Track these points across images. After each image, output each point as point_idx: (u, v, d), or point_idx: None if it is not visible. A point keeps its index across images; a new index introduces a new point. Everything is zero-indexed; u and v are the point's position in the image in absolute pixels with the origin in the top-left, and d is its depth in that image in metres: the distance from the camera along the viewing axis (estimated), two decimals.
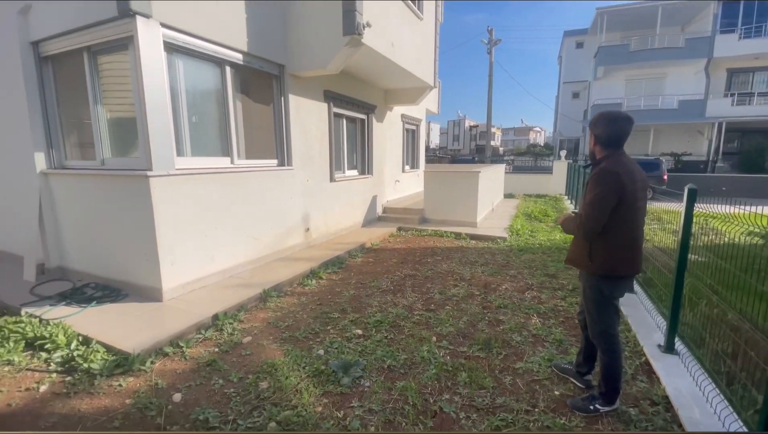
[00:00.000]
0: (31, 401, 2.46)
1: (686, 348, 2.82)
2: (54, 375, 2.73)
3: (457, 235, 7.33)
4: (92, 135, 4.11)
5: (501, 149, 67.95)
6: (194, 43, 4.06)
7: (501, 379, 2.71)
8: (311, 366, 2.80)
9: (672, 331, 2.89)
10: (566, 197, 13.71)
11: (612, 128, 2.18)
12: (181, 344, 3.09)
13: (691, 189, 2.69)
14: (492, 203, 10.43)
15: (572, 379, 2.67)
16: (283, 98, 5.37)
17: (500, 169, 13.23)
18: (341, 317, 3.71)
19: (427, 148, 57.71)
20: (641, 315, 3.61)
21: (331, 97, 6.38)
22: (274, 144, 5.43)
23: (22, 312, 3.53)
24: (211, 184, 4.28)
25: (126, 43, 3.61)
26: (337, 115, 6.81)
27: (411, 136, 11.20)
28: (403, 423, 2.26)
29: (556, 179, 15.20)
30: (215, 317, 3.53)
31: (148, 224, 3.68)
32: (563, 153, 16.38)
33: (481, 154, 39.02)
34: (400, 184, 10.17)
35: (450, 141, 71.84)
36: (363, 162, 7.89)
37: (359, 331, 3.41)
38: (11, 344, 3.05)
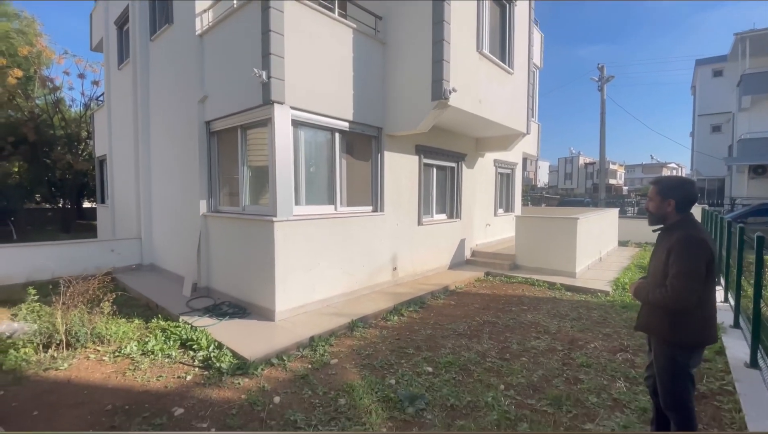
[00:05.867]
0: (179, 386, 3.37)
1: None
2: (196, 369, 3.68)
3: (551, 285, 7.02)
4: (238, 187, 5.45)
5: (625, 189, 60.43)
6: (313, 118, 5.17)
7: None
8: (382, 392, 3.20)
9: None
10: None
11: (689, 192, 2.24)
12: (284, 358, 3.83)
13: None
14: (600, 252, 9.59)
15: None
16: (379, 155, 6.22)
17: (612, 213, 12.06)
18: (415, 353, 4.04)
19: (534, 188, 54.82)
20: (763, 397, 3.09)
21: (421, 150, 7.06)
22: (369, 193, 6.25)
23: (180, 320, 4.77)
24: (318, 227, 5.20)
25: (266, 122, 4.84)
26: (427, 165, 7.43)
27: (505, 179, 11.19)
28: None
29: None
30: (311, 339, 4.24)
31: (270, 258, 4.68)
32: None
33: (596, 193, 35.39)
34: (492, 228, 10.14)
35: (561, 179, 67.02)
36: (452, 207, 8.26)
37: (429, 369, 3.69)
38: (171, 342, 4.19)
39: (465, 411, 3.00)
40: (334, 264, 5.46)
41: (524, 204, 16.04)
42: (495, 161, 10.09)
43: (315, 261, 5.17)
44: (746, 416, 2.81)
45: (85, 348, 4.05)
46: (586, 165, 63.40)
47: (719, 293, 5.81)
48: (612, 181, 59.02)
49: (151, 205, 7.85)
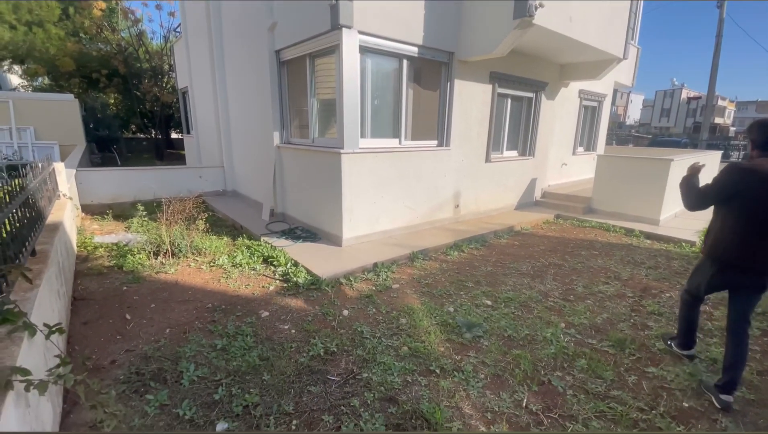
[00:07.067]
0: (264, 294, 3.88)
1: None
2: (277, 281, 4.17)
3: (629, 232, 6.51)
4: (308, 119, 5.58)
5: (733, 129, 51.10)
6: (381, 43, 4.92)
7: (624, 376, 2.70)
8: (440, 318, 3.41)
9: None
10: None
11: (765, 134, 2.27)
12: (351, 278, 4.19)
13: None
14: None
15: (711, 396, 2.46)
16: (449, 83, 5.85)
17: (712, 157, 10.40)
18: (474, 287, 4.15)
19: (621, 125, 48.55)
20: None
21: (496, 78, 6.48)
22: (435, 126, 6.03)
23: (261, 240, 5.32)
24: (382, 161, 5.23)
25: (333, 49, 4.74)
26: (501, 96, 6.85)
27: (590, 113, 10.02)
28: (510, 381, 2.62)
29: None
30: (375, 265, 4.53)
31: (337, 188, 4.90)
32: None
33: (696, 134, 30.41)
34: (568, 168, 9.39)
35: (656, 116, 58.29)
36: (525, 143, 7.71)
37: (488, 302, 3.80)
38: (255, 258, 4.74)
39: (522, 343, 3.09)
40: (397, 198, 5.56)
41: (608, 143, 14.39)
42: (580, 92, 8.99)
43: (379, 194, 5.30)
44: None
45: (186, 257, 4.76)
46: (689, 100, 54.05)
47: None
48: (718, 120, 50.09)
49: (230, 135, 8.41)
